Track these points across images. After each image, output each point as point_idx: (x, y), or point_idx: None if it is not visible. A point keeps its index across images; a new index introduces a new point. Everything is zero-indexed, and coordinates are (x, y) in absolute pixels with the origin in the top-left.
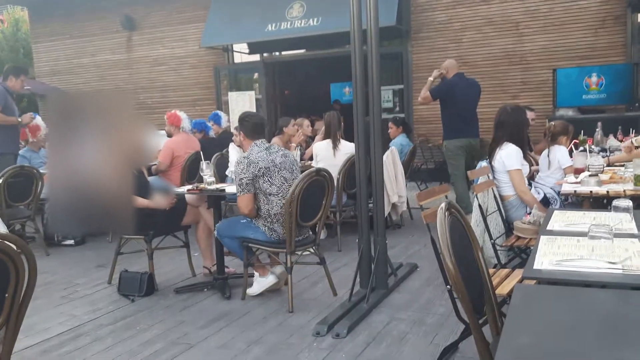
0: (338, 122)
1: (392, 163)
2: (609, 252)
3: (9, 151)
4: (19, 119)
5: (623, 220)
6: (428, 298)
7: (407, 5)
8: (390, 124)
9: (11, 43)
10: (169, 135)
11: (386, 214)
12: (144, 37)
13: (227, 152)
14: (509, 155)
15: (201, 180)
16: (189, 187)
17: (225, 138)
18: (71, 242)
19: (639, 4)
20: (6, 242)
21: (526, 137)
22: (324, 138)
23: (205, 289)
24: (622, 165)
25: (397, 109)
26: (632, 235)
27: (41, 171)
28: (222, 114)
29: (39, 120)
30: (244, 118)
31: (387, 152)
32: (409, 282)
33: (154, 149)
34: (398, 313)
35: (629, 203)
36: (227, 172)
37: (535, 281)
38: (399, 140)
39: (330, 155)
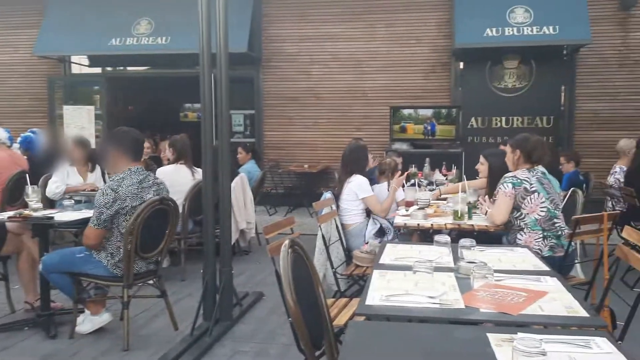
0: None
1: (241, 190)
2: (430, 286)
3: None
4: None
5: (443, 254)
6: (272, 328)
7: (258, 33)
8: (240, 149)
9: None
10: None
11: (234, 241)
12: None
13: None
14: (360, 185)
15: (25, 204)
16: (11, 213)
17: (53, 155)
18: None
19: (462, 54)
20: None
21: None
22: (176, 162)
23: (27, 327)
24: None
25: (248, 132)
26: (449, 269)
27: None
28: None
29: None
30: (122, 133)
31: (237, 179)
32: (254, 312)
33: None
34: (242, 345)
35: (447, 238)
36: (47, 192)
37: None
38: (248, 167)
39: (176, 180)
